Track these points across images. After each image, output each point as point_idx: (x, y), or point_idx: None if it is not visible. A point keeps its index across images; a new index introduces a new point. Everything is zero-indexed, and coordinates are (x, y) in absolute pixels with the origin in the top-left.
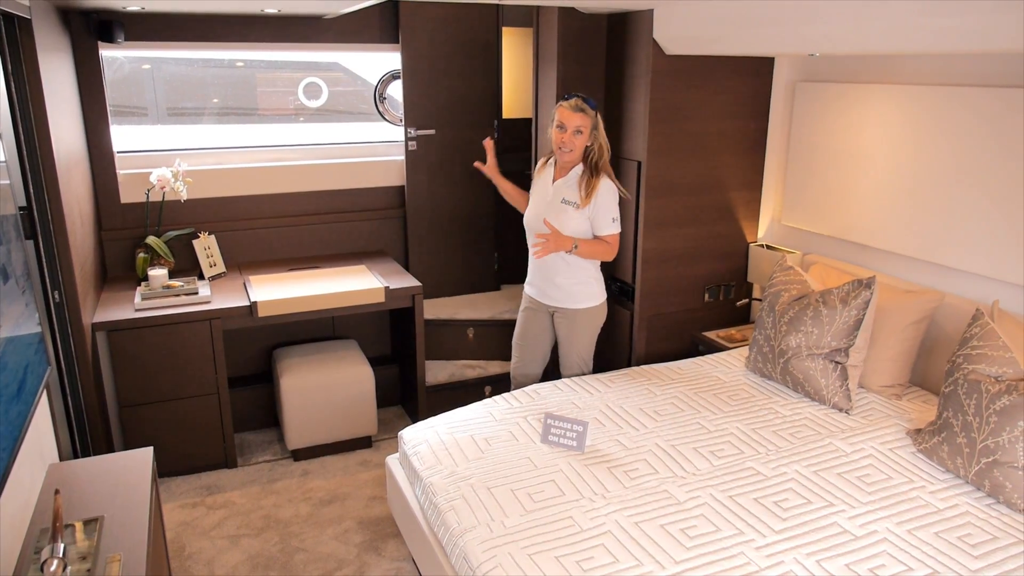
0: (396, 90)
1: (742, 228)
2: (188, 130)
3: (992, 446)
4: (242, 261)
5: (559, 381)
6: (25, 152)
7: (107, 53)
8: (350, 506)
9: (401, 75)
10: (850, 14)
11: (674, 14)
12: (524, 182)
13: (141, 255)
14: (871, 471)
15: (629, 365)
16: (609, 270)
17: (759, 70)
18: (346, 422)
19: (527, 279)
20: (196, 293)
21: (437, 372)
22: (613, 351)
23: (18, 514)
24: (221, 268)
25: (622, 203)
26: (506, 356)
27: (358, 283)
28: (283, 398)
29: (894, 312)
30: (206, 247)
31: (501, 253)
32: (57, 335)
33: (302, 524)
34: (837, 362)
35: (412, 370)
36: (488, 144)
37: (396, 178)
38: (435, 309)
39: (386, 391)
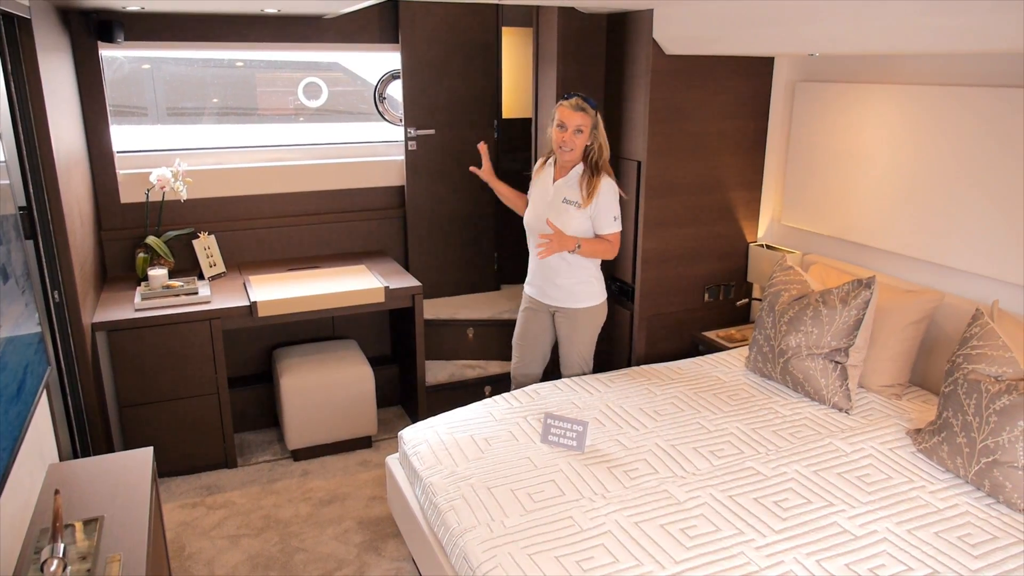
0: (396, 90)
1: (742, 228)
2: (188, 130)
3: (992, 446)
4: (242, 261)
5: (559, 381)
6: (25, 152)
7: (107, 53)
8: (350, 506)
9: (401, 75)
10: (850, 14)
11: (674, 14)
12: (523, 182)
13: (141, 255)
14: (871, 471)
15: (629, 365)
16: (609, 270)
17: (759, 70)
18: (346, 422)
19: (527, 279)
20: (196, 293)
21: (437, 372)
22: (613, 351)
23: (18, 514)
24: (221, 268)
25: (621, 203)
26: (506, 356)
27: (358, 283)
28: (283, 398)
29: (894, 312)
30: (206, 247)
31: (501, 253)
32: (57, 335)
33: (302, 524)
34: (837, 362)
35: (412, 370)
36: (482, 148)
37: (396, 178)
38: (435, 309)
39: (386, 391)
